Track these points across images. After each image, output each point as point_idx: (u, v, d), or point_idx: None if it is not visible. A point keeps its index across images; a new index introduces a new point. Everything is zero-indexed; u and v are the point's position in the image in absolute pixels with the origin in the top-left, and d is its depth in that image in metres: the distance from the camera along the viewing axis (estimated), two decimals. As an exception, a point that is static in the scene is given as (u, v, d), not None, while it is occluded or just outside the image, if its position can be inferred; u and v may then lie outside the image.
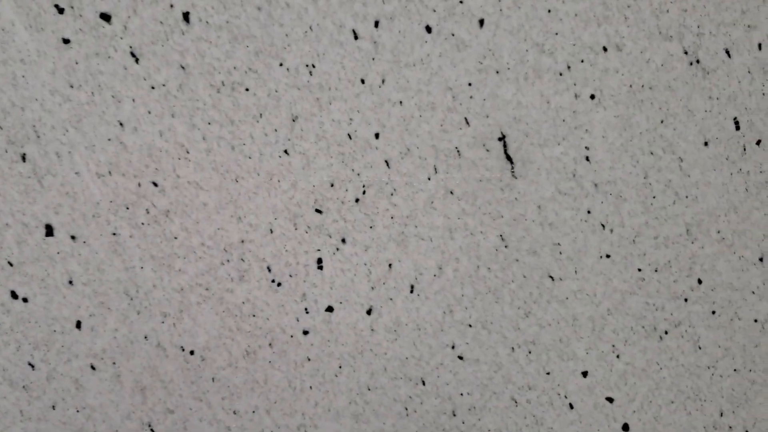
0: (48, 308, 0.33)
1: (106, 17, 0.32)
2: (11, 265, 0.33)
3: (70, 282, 0.33)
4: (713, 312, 0.41)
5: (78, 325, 0.34)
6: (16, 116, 0.32)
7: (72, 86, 0.32)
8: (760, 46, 0.38)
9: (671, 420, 0.42)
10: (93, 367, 0.34)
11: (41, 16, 0.31)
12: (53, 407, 0.35)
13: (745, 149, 0.39)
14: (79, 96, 0.32)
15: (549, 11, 0.37)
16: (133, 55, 0.33)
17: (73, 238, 0.33)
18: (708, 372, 0.41)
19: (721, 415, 0.42)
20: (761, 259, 0.40)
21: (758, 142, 0.39)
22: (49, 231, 0.33)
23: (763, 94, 0.39)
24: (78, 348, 0.34)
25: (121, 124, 0.33)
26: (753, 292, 0.41)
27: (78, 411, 0.34)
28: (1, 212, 0.32)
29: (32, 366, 0.34)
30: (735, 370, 0.42)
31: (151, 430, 0.36)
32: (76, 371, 0.34)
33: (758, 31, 0.38)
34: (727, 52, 0.38)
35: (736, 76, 0.39)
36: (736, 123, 0.39)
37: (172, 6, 0.33)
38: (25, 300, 0.33)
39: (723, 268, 0.40)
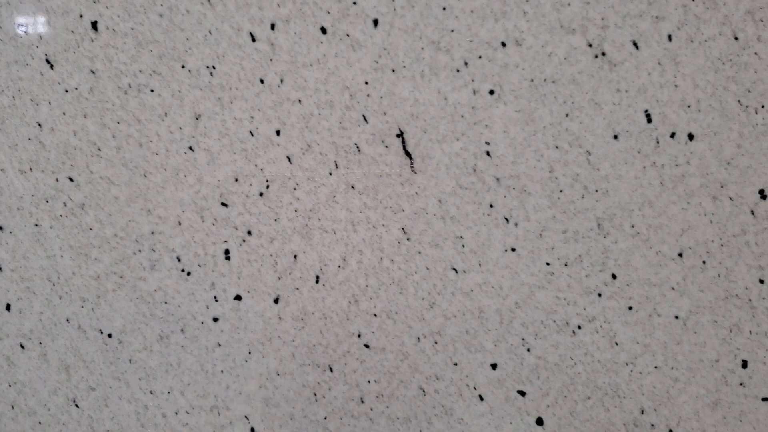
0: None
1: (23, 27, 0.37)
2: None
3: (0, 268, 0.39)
4: (630, 308, 0.42)
5: (8, 307, 0.40)
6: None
7: None
8: (670, 37, 0.39)
9: (588, 416, 0.43)
10: (22, 346, 0.40)
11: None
12: None
13: (658, 142, 0.40)
14: (2, 100, 0.38)
15: (444, 9, 0.39)
16: (48, 62, 0.38)
17: (0, 228, 0.38)
18: (626, 368, 0.43)
19: (642, 412, 0.43)
20: (680, 255, 0.41)
21: (672, 135, 0.40)
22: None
23: (676, 86, 0.40)
24: (8, 329, 0.40)
25: (39, 124, 0.38)
26: (672, 288, 0.42)
27: (10, 386, 0.40)
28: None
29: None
30: (656, 367, 0.43)
31: (76, 405, 0.41)
32: (8, 349, 0.40)
33: (667, 22, 0.39)
34: (635, 44, 0.39)
35: (646, 69, 0.40)
36: (648, 116, 0.40)
37: (81, 16, 0.37)
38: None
39: (639, 263, 0.42)
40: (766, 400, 0.43)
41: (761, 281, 0.41)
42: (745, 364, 0.43)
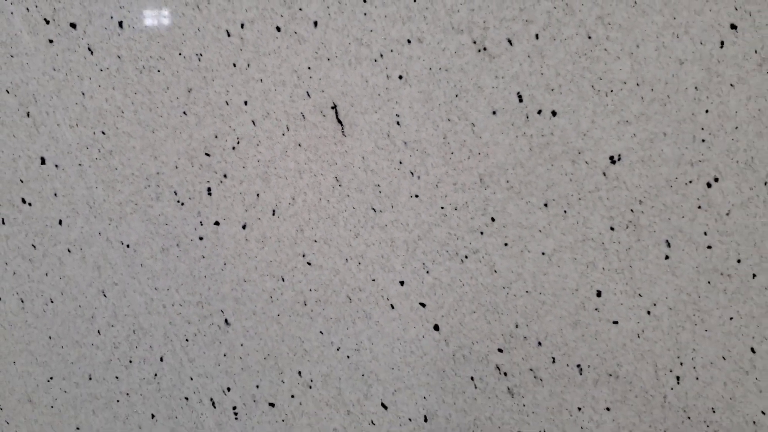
0: None
1: None
2: None
3: None
4: (506, 244, 0.53)
5: (60, 222, 0.56)
6: None
7: None
8: (537, 36, 0.50)
9: (474, 326, 0.55)
10: (69, 251, 0.56)
11: None
12: None
13: (527, 117, 0.51)
14: (58, 76, 0.53)
15: (365, 14, 0.52)
16: (89, 49, 0.53)
17: (56, 166, 0.54)
18: (503, 291, 0.54)
19: (516, 326, 0.55)
20: (546, 205, 0.52)
21: (539, 112, 0.51)
22: None
23: (542, 74, 0.50)
24: (60, 238, 0.56)
25: (83, 93, 0.53)
26: (540, 231, 0.53)
27: (60, 278, 0.57)
28: None
29: None
30: (527, 291, 0.54)
31: (104, 295, 0.57)
32: (59, 252, 0.56)
33: (534, 24, 0.49)
34: (509, 41, 0.50)
35: (518, 60, 0.50)
36: (519, 96, 0.51)
37: (111, 17, 0.52)
38: None
39: (512, 210, 0.53)
40: (616, 323, 0.54)
41: (611, 228, 0.52)
42: (599, 294, 0.54)
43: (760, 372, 0.50)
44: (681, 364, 0.51)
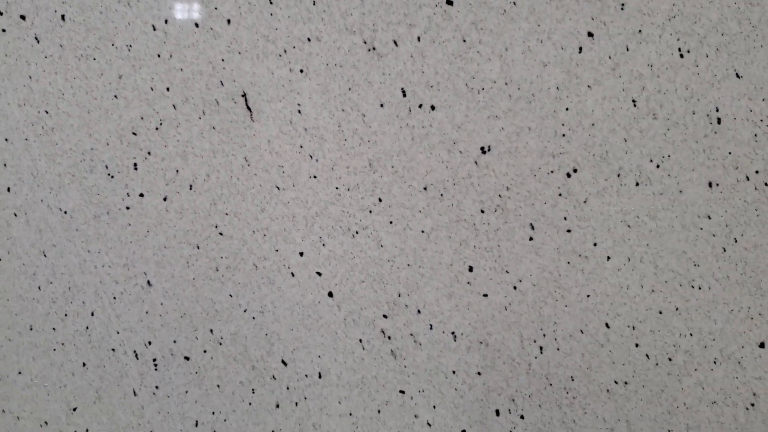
0: None
1: None
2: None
3: None
4: (390, 222, 0.59)
5: (8, 189, 0.63)
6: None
7: None
8: (419, 38, 0.56)
9: (363, 294, 0.61)
10: (15, 215, 0.63)
11: None
12: None
13: (410, 110, 0.57)
14: (8, 62, 0.61)
15: (271, 14, 0.58)
16: (36, 38, 0.60)
17: (6, 140, 0.62)
18: (388, 264, 0.60)
19: (399, 295, 0.61)
20: (425, 188, 0.58)
21: (420, 106, 0.57)
22: None
23: (423, 72, 0.56)
24: (7, 204, 0.63)
25: (30, 77, 0.61)
26: (420, 211, 0.59)
27: (8, 239, 0.64)
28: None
29: None
30: (408, 264, 0.60)
31: (44, 255, 0.64)
32: (7, 217, 0.64)
33: (417, 28, 0.55)
34: (395, 42, 0.56)
35: (403, 59, 0.56)
36: (403, 92, 0.57)
37: (55, 11, 0.59)
38: None
39: (397, 192, 0.59)
40: (486, 296, 0.60)
41: (482, 211, 0.58)
42: (471, 269, 0.59)
43: (614, 345, 0.56)
44: (544, 335, 0.57)
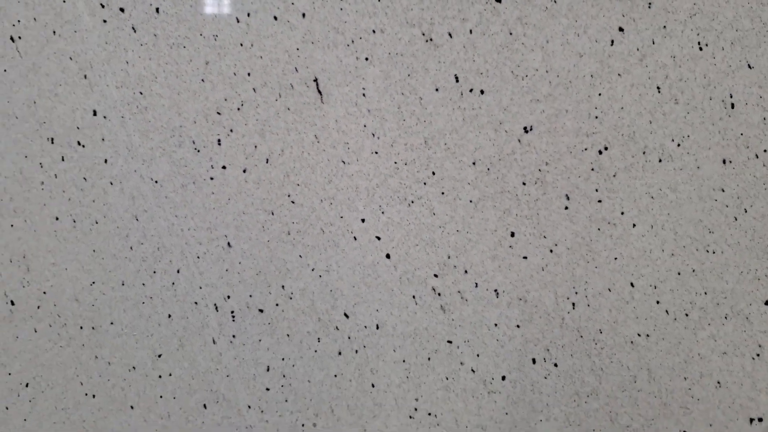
0: None
1: None
2: None
3: None
4: (442, 193, 0.68)
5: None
6: None
7: None
8: (471, 31, 0.64)
9: (416, 256, 0.69)
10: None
11: None
12: None
13: (462, 94, 0.65)
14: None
15: (341, 9, 0.66)
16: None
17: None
18: (440, 230, 0.68)
19: (449, 257, 0.69)
20: (474, 163, 0.66)
21: (471, 90, 0.65)
22: None
23: (474, 61, 0.64)
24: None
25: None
26: (468, 183, 0.67)
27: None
28: None
29: None
30: (457, 230, 0.69)
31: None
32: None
33: (469, 22, 0.63)
34: (450, 35, 0.64)
35: (456, 50, 0.64)
36: (456, 78, 0.65)
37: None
38: None
39: (448, 166, 0.66)
40: (526, 258, 0.68)
41: (524, 183, 0.66)
42: (513, 234, 0.68)
43: (637, 302, 0.64)
44: (576, 293, 0.65)
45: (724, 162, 0.60)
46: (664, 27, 0.58)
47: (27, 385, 0.76)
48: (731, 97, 0.58)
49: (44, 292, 0.73)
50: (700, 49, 0.58)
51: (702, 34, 0.58)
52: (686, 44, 0.58)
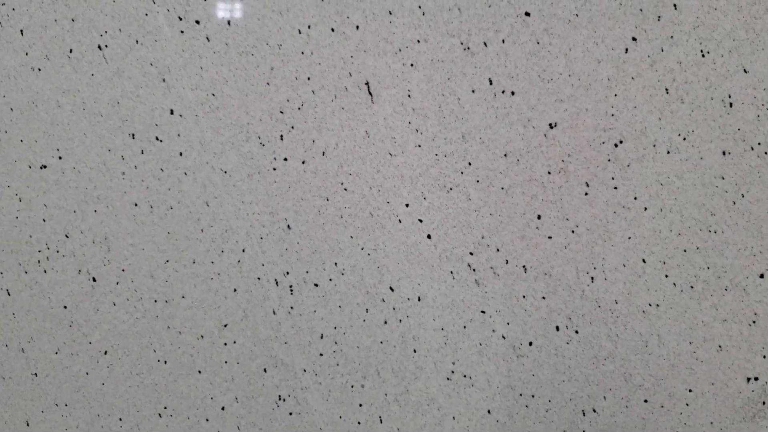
0: None
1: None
2: None
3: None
4: (477, 181, 0.77)
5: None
6: None
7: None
8: (503, 40, 0.73)
9: (454, 236, 0.79)
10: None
11: None
12: None
13: (495, 95, 0.75)
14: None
15: (390, 22, 0.76)
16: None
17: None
18: (475, 213, 0.78)
19: (482, 237, 0.79)
20: (505, 155, 0.76)
21: (503, 92, 0.75)
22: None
23: (505, 66, 0.74)
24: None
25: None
26: (500, 173, 0.77)
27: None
28: None
29: None
30: (490, 214, 0.78)
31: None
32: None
33: (502, 32, 0.73)
34: (485, 44, 0.74)
35: (490, 57, 0.74)
36: (490, 81, 0.75)
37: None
38: None
39: (483, 158, 0.76)
40: (551, 238, 0.77)
41: (549, 173, 0.75)
42: (539, 217, 0.77)
43: (648, 276, 0.73)
44: (594, 268, 0.74)
45: (723, 153, 0.69)
46: (671, 37, 0.68)
47: (105, 353, 0.86)
48: (729, 97, 0.68)
49: (123, 270, 0.83)
50: (703, 56, 0.67)
51: (704, 43, 0.67)
52: (690, 51, 0.67)
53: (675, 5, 0.67)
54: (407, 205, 0.75)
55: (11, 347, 0.88)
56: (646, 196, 0.71)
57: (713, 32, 0.67)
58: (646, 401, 0.74)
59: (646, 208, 0.71)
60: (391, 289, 0.77)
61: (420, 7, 0.71)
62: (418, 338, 0.78)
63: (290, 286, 0.80)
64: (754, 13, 0.65)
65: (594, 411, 0.75)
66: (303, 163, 0.76)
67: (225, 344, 0.82)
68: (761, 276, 0.70)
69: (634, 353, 0.74)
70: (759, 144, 0.68)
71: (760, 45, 0.66)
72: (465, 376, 0.78)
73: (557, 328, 0.75)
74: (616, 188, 0.71)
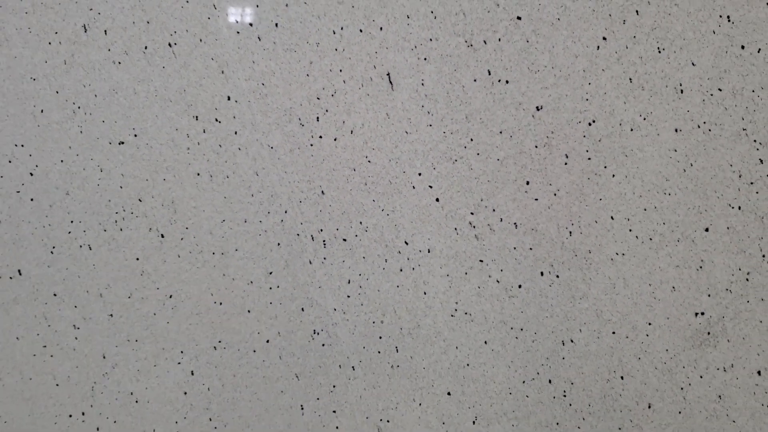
0: None
1: None
2: None
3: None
4: (478, 153, 0.94)
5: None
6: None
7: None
8: (500, 39, 0.89)
9: (458, 199, 0.96)
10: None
11: None
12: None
13: (493, 83, 0.91)
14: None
15: (408, 24, 0.92)
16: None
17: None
18: (476, 180, 0.95)
19: (481, 200, 0.95)
20: (501, 132, 0.92)
21: (500, 80, 0.91)
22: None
23: (501, 60, 0.90)
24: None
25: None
26: (496, 147, 0.93)
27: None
28: None
29: None
30: (488, 180, 0.95)
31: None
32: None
33: (498, 32, 0.89)
34: (485, 41, 0.90)
35: (488, 52, 0.90)
36: (489, 72, 0.91)
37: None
38: None
39: (483, 134, 0.93)
40: (537, 199, 0.94)
41: (536, 146, 0.92)
42: (527, 183, 0.93)
43: (616, 229, 0.89)
44: (572, 224, 0.91)
45: (676, 131, 0.85)
46: (634, 37, 0.84)
47: (170, 297, 1.03)
48: (681, 85, 0.83)
49: (186, 228, 1.01)
50: (659, 52, 0.83)
51: (660, 42, 0.83)
52: (649, 48, 0.83)
53: (637, 11, 0.83)
54: (420, 174, 0.92)
55: (91, 293, 1.06)
56: (614, 165, 0.87)
57: (667, 33, 0.83)
58: (613, 333, 0.91)
59: (614, 175, 0.87)
60: (405, 243, 0.94)
61: (432, 12, 0.87)
62: (427, 283, 0.95)
63: (323, 241, 0.96)
64: (700, 18, 0.81)
65: (572, 341, 0.92)
66: (335, 140, 0.93)
67: (270, 288, 0.99)
68: (706, 230, 0.86)
69: (604, 293, 0.90)
70: (704, 123, 0.84)
71: (704, 43, 0.82)
72: (466, 314, 0.95)
73: (542, 274, 0.92)
74: (590, 159, 0.88)
